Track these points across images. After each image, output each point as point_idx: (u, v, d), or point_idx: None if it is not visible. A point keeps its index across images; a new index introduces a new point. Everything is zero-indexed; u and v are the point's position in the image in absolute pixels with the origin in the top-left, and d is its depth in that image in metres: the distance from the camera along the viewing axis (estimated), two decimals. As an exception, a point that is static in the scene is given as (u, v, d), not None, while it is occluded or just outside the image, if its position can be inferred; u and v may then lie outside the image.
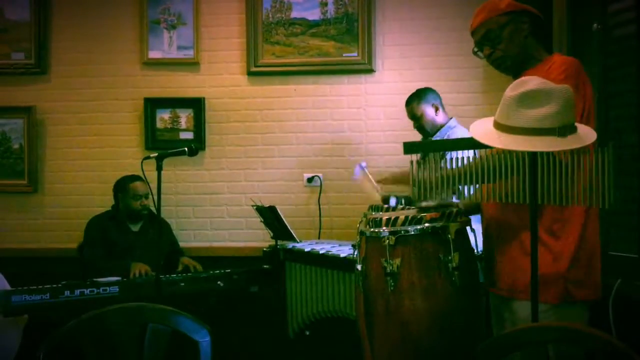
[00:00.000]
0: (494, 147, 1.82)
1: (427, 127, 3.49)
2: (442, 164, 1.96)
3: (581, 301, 2.05)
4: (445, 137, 3.42)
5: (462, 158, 1.92)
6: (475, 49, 2.29)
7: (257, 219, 3.79)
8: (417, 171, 1.96)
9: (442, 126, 3.49)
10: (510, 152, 1.81)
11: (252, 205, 3.72)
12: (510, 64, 2.23)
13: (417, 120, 3.52)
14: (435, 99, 3.53)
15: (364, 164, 3.17)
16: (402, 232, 2.09)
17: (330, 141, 4.14)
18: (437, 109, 3.50)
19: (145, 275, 3.45)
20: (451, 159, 1.93)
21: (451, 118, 3.54)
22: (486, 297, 2.28)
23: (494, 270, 2.17)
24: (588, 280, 2.06)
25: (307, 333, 3.41)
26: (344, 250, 3.11)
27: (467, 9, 3.95)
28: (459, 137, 3.35)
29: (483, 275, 2.24)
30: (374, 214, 2.28)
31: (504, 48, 2.20)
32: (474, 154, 1.91)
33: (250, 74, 4.16)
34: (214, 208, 4.21)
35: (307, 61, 4.12)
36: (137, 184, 3.77)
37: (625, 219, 2.83)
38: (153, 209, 3.83)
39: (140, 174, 3.10)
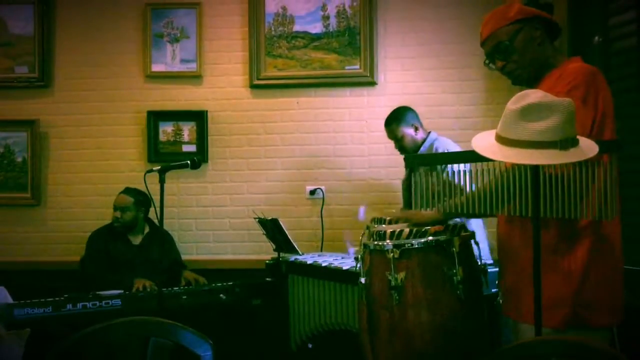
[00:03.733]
0: (495, 160, 1.82)
1: (408, 146, 3.55)
2: (447, 176, 1.95)
3: (594, 327, 1.90)
4: (433, 149, 3.46)
5: (464, 172, 1.92)
6: (487, 61, 2.15)
7: (259, 232, 3.79)
8: (419, 181, 1.96)
9: (423, 141, 3.54)
10: (513, 167, 1.81)
11: (255, 218, 3.72)
12: (527, 75, 2.10)
13: (398, 142, 3.57)
14: (414, 118, 3.57)
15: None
16: (407, 245, 2.09)
17: (332, 153, 4.15)
18: (416, 129, 3.55)
19: (148, 289, 3.45)
20: (453, 172, 1.92)
21: (429, 132, 3.59)
22: (490, 309, 2.27)
23: (503, 292, 2.13)
24: (602, 304, 1.92)
25: (310, 346, 3.40)
26: (347, 263, 3.10)
27: (469, 21, 4.01)
28: (445, 146, 3.45)
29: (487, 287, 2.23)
30: (378, 227, 2.28)
31: (517, 59, 2.07)
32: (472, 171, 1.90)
33: (252, 86, 4.18)
34: (216, 220, 4.21)
35: (309, 74, 4.14)
36: (119, 196, 3.85)
37: (632, 231, 2.82)
38: (155, 220, 3.84)
39: (143, 186, 3.11)
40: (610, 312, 1.95)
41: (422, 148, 3.53)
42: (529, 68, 2.09)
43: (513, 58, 2.08)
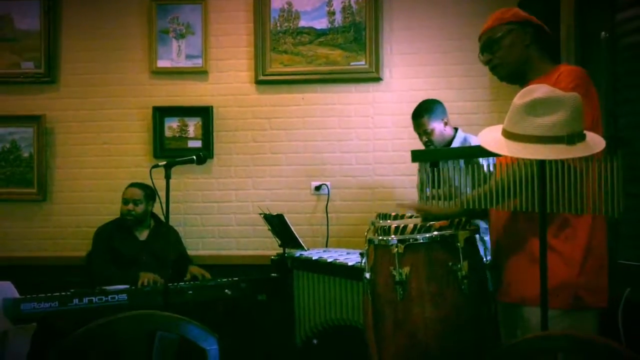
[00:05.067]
0: (503, 155, 1.82)
1: (437, 141, 3.42)
2: (455, 177, 1.95)
3: (592, 308, 2.03)
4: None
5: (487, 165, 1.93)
6: (479, 54, 2.32)
7: (264, 227, 3.80)
8: (427, 179, 1.96)
9: (452, 138, 3.44)
10: (519, 162, 1.81)
11: (260, 214, 3.72)
12: (506, 74, 2.25)
13: (427, 135, 3.42)
14: (444, 112, 3.45)
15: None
16: (411, 240, 2.09)
17: (337, 149, 4.15)
18: (446, 124, 3.43)
19: (153, 284, 3.46)
20: (486, 164, 1.93)
21: (456, 128, 3.51)
22: (495, 305, 2.27)
23: (503, 278, 2.16)
24: (598, 286, 2.04)
25: (315, 342, 3.40)
26: (352, 259, 3.10)
27: (475, 18, 3.99)
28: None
29: (492, 283, 2.23)
30: (382, 222, 2.28)
31: (501, 56, 2.22)
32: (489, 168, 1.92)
33: (258, 82, 4.18)
34: (221, 216, 4.22)
35: (314, 70, 4.13)
36: (130, 189, 3.84)
37: (635, 227, 2.82)
38: (160, 216, 3.85)
39: (149, 182, 3.12)
40: (604, 295, 2.06)
41: (453, 145, 3.40)
42: (510, 66, 2.22)
43: (498, 54, 2.23)
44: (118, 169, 4.24)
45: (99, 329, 1.68)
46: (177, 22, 4.22)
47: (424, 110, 3.43)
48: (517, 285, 2.09)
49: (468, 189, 1.98)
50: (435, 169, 2.01)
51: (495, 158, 1.99)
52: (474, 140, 3.37)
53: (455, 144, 3.42)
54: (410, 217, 2.36)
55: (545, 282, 1.77)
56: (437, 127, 3.41)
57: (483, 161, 1.99)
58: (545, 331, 1.74)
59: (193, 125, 4.21)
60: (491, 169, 1.94)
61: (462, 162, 2.03)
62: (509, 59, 2.21)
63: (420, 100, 3.60)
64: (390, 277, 2.09)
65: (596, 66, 3.04)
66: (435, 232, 2.10)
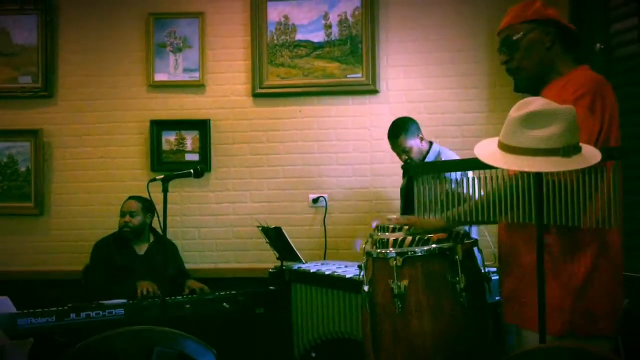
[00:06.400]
0: (498, 168, 1.82)
1: (416, 157, 3.52)
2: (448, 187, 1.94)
3: (592, 336, 1.87)
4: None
5: (468, 179, 1.92)
6: (499, 51, 2.14)
7: (262, 240, 3.79)
8: (420, 190, 1.96)
9: (427, 152, 3.53)
10: (516, 175, 1.81)
11: (258, 226, 3.72)
12: (525, 77, 2.09)
13: (407, 153, 3.52)
14: (419, 128, 3.55)
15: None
16: (409, 253, 2.09)
17: (335, 162, 4.16)
18: (421, 139, 3.53)
19: (152, 293, 3.45)
20: (456, 179, 1.92)
21: (431, 142, 3.58)
22: (494, 317, 2.26)
23: (505, 299, 2.12)
24: (603, 313, 1.89)
25: (313, 355, 3.39)
26: (350, 271, 3.10)
27: (471, 29, 4.03)
28: (450, 158, 3.42)
29: (490, 296, 2.22)
30: (381, 235, 2.28)
31: (519, 58, 2.06)
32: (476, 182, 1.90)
33: (255, 95, 4.19)
34: (219, 229, 4.21)
35: (311, 82, 4.15)
36: (127, 201, 3.85)
37: (634, 239, 2.82)
38: (159, 230, 3.84)
39: (146, 195, 3.12)
40: (610, 322, 1.91)
41: (427, 159, 3.50)
42: (529, 69, 2.07)
43: (516, 56, 2.07)
44: (115, 183, 4.23)
45: (96, 344, 1.67)
46: (174, 36, 4.24)
47: (401, 130, 3.52)
48: (516, 307, 2.03)
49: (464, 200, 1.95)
50: (432, 182, 2.01)
51: (469, 172, 1.96)
52: (448, 153, 3.50)
53: (430, 157, 3.50)
54: (408, 229, 2.35)
55: (543, 300, 1.72)
56: (414, 143, 3.51)
57: (452, 176, 1.96)
58: (543, 344, 1.73)
59: (190, 139, 4.22)
60: (457, 184, 1.91)
61: (460, 174, 2.01)
62: (527, 63, 2.06)
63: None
64: (389, 289, 2.08)
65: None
66: (434, 245, 2.10)
